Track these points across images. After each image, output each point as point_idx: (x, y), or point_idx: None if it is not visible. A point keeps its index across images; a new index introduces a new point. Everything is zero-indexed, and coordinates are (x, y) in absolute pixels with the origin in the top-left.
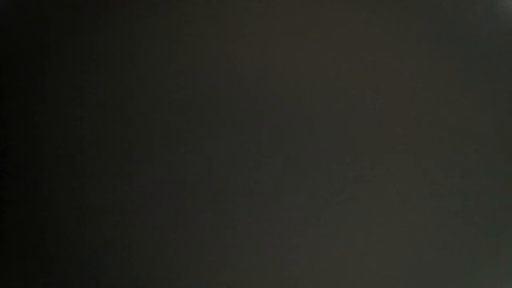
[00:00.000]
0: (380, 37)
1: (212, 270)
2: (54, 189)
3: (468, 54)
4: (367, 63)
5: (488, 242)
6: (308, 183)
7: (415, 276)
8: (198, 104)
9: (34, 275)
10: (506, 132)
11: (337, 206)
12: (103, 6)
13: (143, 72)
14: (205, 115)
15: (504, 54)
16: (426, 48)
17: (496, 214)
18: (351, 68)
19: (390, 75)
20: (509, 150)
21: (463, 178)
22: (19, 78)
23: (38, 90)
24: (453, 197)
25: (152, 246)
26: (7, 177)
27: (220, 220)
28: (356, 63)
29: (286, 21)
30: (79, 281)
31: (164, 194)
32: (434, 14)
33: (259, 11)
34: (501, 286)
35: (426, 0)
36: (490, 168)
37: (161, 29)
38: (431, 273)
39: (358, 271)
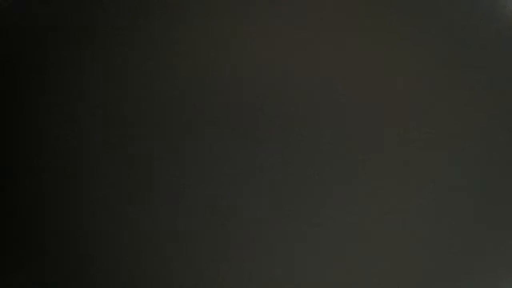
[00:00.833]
0: (380, 37)
1: (212, 270)
2: (54, 189)
3: (468, 54)
4: (367, 63)
5: (488, 241)
6: (308, 183)
7: (415, 276)
8: (198, 104)
9: (34, 275)
10: (506, 132)
11: (337, 207)
12: (103, 6)
13: (143, 73)
14: (205, 116)
15: (504, 54)
16: (426, 48)
17: (496, 214)
18: (351, 69)
19: (390, 75)
20: (509, 150)
21: (463, 178)
22: (19, 78)
23: (38, 90)
24: (453, 197)
25: (152, 246)
26: (7, 177)
27: (220, 220)
28: (356, 63)
29: (286, 21)
30: (79, 281)
31: (164, 194)
32: (434, 14)
33: (259, 11)
34: (501, 285)
35: (426, 0)
36: (490, 167)
37: (161, 29)
38: (431, 273)
39: (358, 271)
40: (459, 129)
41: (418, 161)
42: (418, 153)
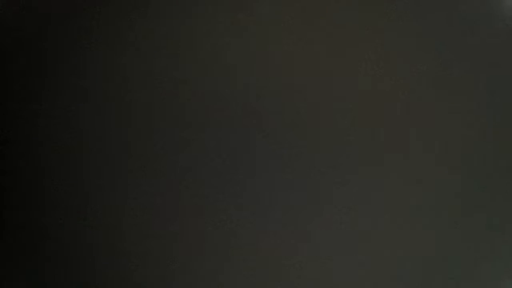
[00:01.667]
0: (380, 37)
1: (212, 270)
2: (54, 189)
3: (468, 54)
4: (366, 63)
5: (489, 241)
6: (308, 183)
7: (415, 276)
8: (198, 104)
9: (34, 275)
10: (506, 132)
11: (337, 207)
12: (103, 6)
13: (143, 73)
14: (205, 116)
15: (504, 54)
16: (426, 48)
17: (497, 214)
18: (351, 69)
19: (389, 75)
20: (509, 150)
21: (463, 178)
22: (19, 78)
23: (38, 90)
24: (454, 197)
25: (152, 246)
26: (7, 177)
27: (220, 220)
28: (356, 63)
29: (286, 21)
30: (79, 281)
31: (164, 194)
32: (434, 14)
33: (259, 12)
34: (501, 286)
35: (426, 0)
36: (490, 168)
37: (161, 30)
38: (431, 274)
39: (358, 271)
40: (459, 129)
41: (418, 162)
42: (418, 153)
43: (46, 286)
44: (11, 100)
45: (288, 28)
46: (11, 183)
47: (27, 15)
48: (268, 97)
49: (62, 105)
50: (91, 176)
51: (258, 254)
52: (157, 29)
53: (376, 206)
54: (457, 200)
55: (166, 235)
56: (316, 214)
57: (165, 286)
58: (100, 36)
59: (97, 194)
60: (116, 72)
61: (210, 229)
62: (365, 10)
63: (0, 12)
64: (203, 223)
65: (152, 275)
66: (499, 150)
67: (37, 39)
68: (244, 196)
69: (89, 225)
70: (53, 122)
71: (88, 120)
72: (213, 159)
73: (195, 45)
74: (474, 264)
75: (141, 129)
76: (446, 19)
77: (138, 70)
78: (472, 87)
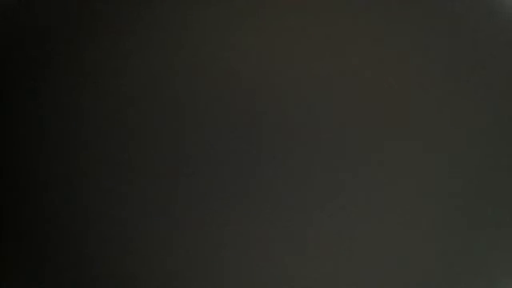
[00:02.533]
0: (379, 37)
1: (212, 270)
2: (54, 189)
3: (468, 54)
4: (366, 63)
5: (489, 241)
6: (308, 183)
7: (415, 276)
8: (198, 104)
9: (34, 275)
10: (506, 132)
11: (337, 206)
12: (103, 6)
13: (143, 73)
14: (206, 116)
15: (504, 54)
16: (426, 48)
17: (496, 214)
18: (351, 70)
19: (389, 76)
20: (509, 150)
21: (463, 178)
22: (19, 79)
23: (38, 91)
24: (453, 196)
25: (152, 246)
26: (7, 177)
27: (220, 220)
28: (356, 64)
29: (286, 21)
30: (79, 281)
31: (164, 194)
32: (434, 14)
33: (259, 12)
34: (501, 286)
35: (426, 0)
36: (490, 167)
37: (161, 30)
38: (431, 274)
39: (358, 271)
40: (459, 129)
41: (418, 162)
42: (418, 154)
43: (46, 286)
44: (11, 100)
45: (288, 28)
46: (11, 183)
47: (27, 15)
48: (268, 97)
49: (62, 105)
50: (91, 176)
51: (258, 254)
52: (157, 29)
53: (376, 206)
54: (457, 200)
55: (166, 235)
56: (316, 214)
57: (165, 286)
58: (100, 36)
59: (97, 194)
60: (117, 72)
61: (210, 229)
62: (365, 11)
63: (1, 12)
64: (203, 223)
65: (152, 275)
66: (499, 149)
67: (37, 39)
68: (244, 196)
69: (89, 225)
70: (53, 122)
71: (88, 120)
72: (213, 159)
73: (195, 45)
74: (474, 264)
75: (142, 129)
76: (446, 19)
77: (139, 70)
78: (472, 87)
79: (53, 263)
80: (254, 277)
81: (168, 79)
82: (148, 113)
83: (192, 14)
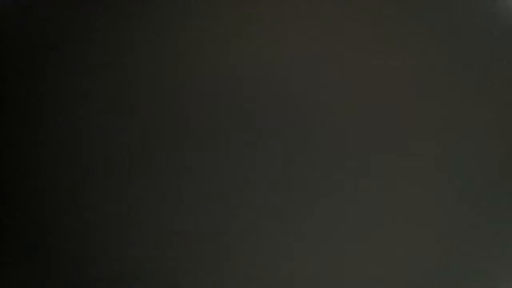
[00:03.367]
0: (379, 37)
1: (212, 271)
2: (54, 189)
3: (468, 54)
4: (366, 63)
5: (489, 242)
6: (308, 183)
7: (415, 277)
8: (198, 104)
9: (34, 275)
10: (506, 132)
11: (337, 207)
12: (103, 6)
13: (143, 73)
14: (205, 116)
15: (504, 54)
16: (426, 48)
17: (497, 214)
18: (351, 69)
19: (389, 75)
20: (509, 150)
21: (463, 178)
22: (19, 78)
23: (38, 90)
24: (454, 197)
25: (152, 246)
26: (7, 177)
27: (220, 220)
28: (356, 63)
29: (285, 21)
30: (79, 281)
31: (164, 194)
32: (434, 14)
33: (259, 11)
34: (501, 286)
35: (426, 0)
36: (490, 168)
37: (161, 29)
38: (431, 274)
39: (358, 271)
40: (460, 129)
41: (418, 162)
42: (418, 154)
43: (46, 286)
44: (11, 100)
45: (289, 28)
46: (11, 183)
47: (27, 15)
48: (268, 97)
49: (62, 105)
50: (91, 176)
51: (258, 254)
52: (157, 29)
53: (376, 207)
54: (457, 201)
55: (166, 235)
56: (316, 215)
57: (165, 286)
58: (100, 36)
59: (97, 194)
60: (117, 72)
61: (211, 229)
62: (365, 11)
63: (0, 12)
64: (204, 223)
65: (152, 275)
66: (499, 149)
67: (37, 39)
68: (244, 196)
69: (89, 225)
70: (53, 122)
71: (89, 120)
72: (213, 159)
73: (195, 45)
74: (474, 264)
75: (141, 129)
76: (446, 19)
77: (139, 70)
78: (472, 87)
79: (53, 263)
80: (254, 277)
81: (168, 79)
82: (148, 113)
83: (192, 14)
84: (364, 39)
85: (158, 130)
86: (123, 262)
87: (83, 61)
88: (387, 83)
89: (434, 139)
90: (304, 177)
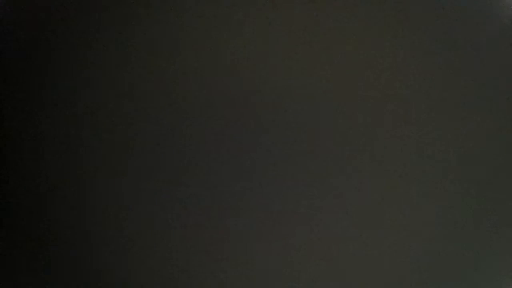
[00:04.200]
0: (379, 38)
1: (212, 271)
2: (54, 189)
3: (468, 55)
4: (366, 64)
5: (489, 242)
6: (308, 183)
7: (415, 277)
8: (198, 104)
9: (34, 275)
10: (506, 132)
11: (337, 207)
12: (103, 6)
13: (143, 72)
14: (205, 116)
15: (504, 54)
16: (426, 48)
17: (497, 214)
18: (351, 69)
19: (389, 76)
20: (509, 150)
21: (463, 178)
22: (19, 78)
23: (38, 90)
24: (454, 196)
25: (152, 246)
26: (7, 177)
27: (220, 220)
28: (356, 63)
29: (286, 21)
30: (79, 281)
31: (164, 194)
32: (434, 15)
33: (259, 11)
34: (501, 286)
35: (426, 1)
36: (490, 167)
37: (161, 29)
38: (431, 274)
39: (358, 271)
40: (459, 129)
41: (418, 162)
42: (418, 154)
43: (46, 286)
44: (11, 100)
45: (289, 28)
46: (11, 183)
47: (27, 15)
48: (268, 97)
49: (62, 105)
50: (91, 176)
51: (258, 254)
52: (157, 28)
53: (376, 207)
54: (457, 200)
55: (166, 235)
56: (316, 215)
57: (165, 286)
58: (100, 36)
59: (97, 194)
60: (116, 72)
61: (210, 229)
62: (365, 11)
63: (0, 12)
64: (203, 223)
65: (152, 276)
66: (499, 149)
67: (37, 39)
68: (243, 196)
69: (89, 225)
70: (53, 121)
71: (89, 119)
72: (213, 158)
73: (195, 45)
74: (474, 264)
75: (141, 129)
76: (446, 19)
77: (138, 69)
78: (472, 87)
79: (53, 263)
80: (254, 278)
81: (168, 79)
82: (148, 113)
83: (192, 14)
84: (364, 39)
85: (158, 130)
86: (123, 262)
87: (83, 61)
88: (387, 83)
89: (434, 139)
90: (304, 177)
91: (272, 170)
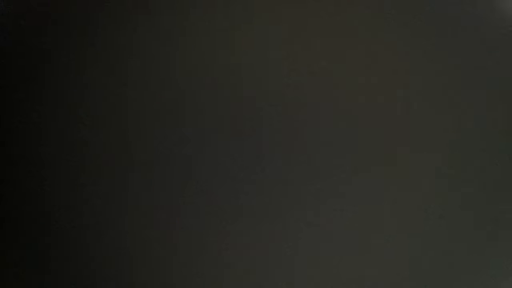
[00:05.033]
0: (379, 37)
1: (212, 271)
2: (54, 189)
3: (468, 54)
4: (366, 64)
5: (489, 241)
6: (308, 183)
7: (415, 277)
8: (198, 104)
9: (34, 275)
10: (506, 132)
11: (337, 207)
12: (104, 5)
13: (143, 72)
14: (206, 116)
15: (504, 54)
16: (426, 48)
17: (496, 213)
18: (351, 69)
19: (389, 76)
20: (509, 150)
21: (463, 178)
22: (19, 78)
23: (38, 90)
24: (454, 197)
25: (152, 247)
26: (7, 177)
27: (220, 220)
28: (356, 63)
29: (286, 21)
30: (79, 281)
31: (165, 194)
32: (434, 14)
33: (260, 11)
34: (501, 285)
35: (426, 0)
36: (490, 168)
37: (161, 29)
38: (431, 274)
39: (358, 271)
40: (459, 129)
41: (418, 162)
42: (418, 153)
43: (45, 286)
44: (12, 100)
45: (289, 28)
46: (11, 183)
47: (27, 15)
48: (268, 96)
49: (62, 105)
50: (91, 176)
51: (258, 255)
52: (157, 29)
53: (376, 207)
54: (457, 200)
55: (167, 235)
56: (316, 215)
57: (165, 286)
58: (100, 36)
59: (97, 194)
60: (116, 72)
61: (210, 230)
62: (365, 11)
63: (0, 12)
64: (203, 224)
65: (152, 276)
66: (499, 150)
67: (37, 39)
68: (243, 196)
69: (89, 225)
70: (53, 121)
71: (88, 120)
72: (213, 159)
73: (195, 45)
74: (474, 264)
75: (141, 129)
76: (446, 19)
77: (138, 70)
78: (472, 87)
79: (53, 263)
80: (254, 278)
81: (168, 79)
82: (148, 113)
83: (192, 14)
84: (364, 39)
85: (158, 130)
86: (122, 262)
87: (83, 60)
88: (387, 83)
89: (434, 139)
90: (304, 178)
91: (272, 170)
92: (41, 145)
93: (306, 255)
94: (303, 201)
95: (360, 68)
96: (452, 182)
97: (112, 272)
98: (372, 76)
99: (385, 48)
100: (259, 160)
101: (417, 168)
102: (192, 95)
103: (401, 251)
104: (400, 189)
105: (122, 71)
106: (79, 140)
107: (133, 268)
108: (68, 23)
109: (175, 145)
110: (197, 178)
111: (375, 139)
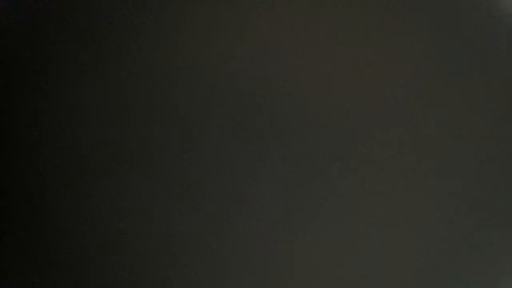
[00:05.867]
0: (380, 37)
1: (212, 271)
2: (54, 189)
3: (468, 54)
4: (366, 64)
5: (488, 241)
6: (308, 182)
7: (415, 276)
8: (198, 104)
9: (34, 275)
10: (506, 132)
11: (337, 207)
12: (104, 5)
13: (144, 72)
14: (206, 115)
15: (504, 54)
16: (426, 48)
17: (496, 213)
18: (351, 68)
19: (389, 76)
20: (509, 150)
21: (463, 178)
22: (19, 78)
23: (38, 90)
24: (454, 197)
25: (153, 246)
26: (7, 177)
27: (220, 220)
28: (356, 62)
29: (286, 21)
30: (79, 281)
31: (165, 194)
32: (434, 14)
33: (260, 11)
34: (501, 286)
35: (426, 0)
36: (490, 167)
37: (161, 29)
38: (431, 274)
39: (358, 271)
40: (459, 129)
41: (418, 162)
42: (418, 153)
43: (46, 286)
44: (12, 100)
45: (289, 28)
46: (12, 183)
47: (27, 15)
48: (269, 96)
49: (62, 105)
50: (91, 176)
51: (258, 255)
52: (157, 28)
53: (376, 207)
54: (457, 200)
55: (167, 235)
56: (315, 215)
57: (165, 286)
58: (100, 35)
59: (97, 194)
60: (116, 72)
61: (211, 229)
62: (365, 11)
63: (0, 12)
64: (203, 224)
65: (152, 276)
66: (499, 150)
67: (37, 39)
68: (243, 196)
69: (89, 225)
70: (53, 121)
71: (88, 120)
72: (213, 159)
73: (195, 45)
74: (474, 264)
75: (141, 130)
76: (446, 19)
77: (138, 70)
78: (472, 87)
79: (53, 263)
80: (254, 278)
81: (168, 79)
82: (148, 113)
83: (192, 14)
84: (364, 39)
85: (158, 130)
86: (123, 263)
87: (82, 60)
88: (386, 83)
89: (434, 139)
90: (303, 178)
91: (272, 170)
92: (41, 145)
93: (306, 255)
94: (303, 201)
95: (360, 68)
96: (452, 182)
97: (112, 272)
98: (372, 76)
99: (385, 48)
100: (259, 160)
101: (417, 168)
102: (192, 95)
103: (401, 251)
104: (400, 189)
105: (122, 71)
106: (79, 140)
107: (133, 268)
108: (68, 23)
109: (175, 145)
110: (197, 178)
111: (375, 139)
